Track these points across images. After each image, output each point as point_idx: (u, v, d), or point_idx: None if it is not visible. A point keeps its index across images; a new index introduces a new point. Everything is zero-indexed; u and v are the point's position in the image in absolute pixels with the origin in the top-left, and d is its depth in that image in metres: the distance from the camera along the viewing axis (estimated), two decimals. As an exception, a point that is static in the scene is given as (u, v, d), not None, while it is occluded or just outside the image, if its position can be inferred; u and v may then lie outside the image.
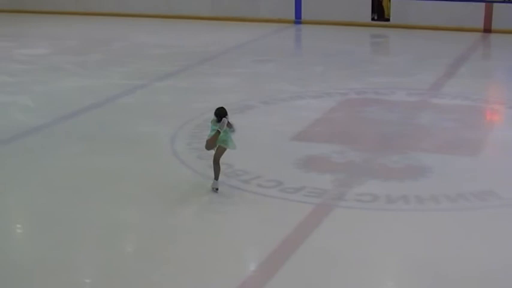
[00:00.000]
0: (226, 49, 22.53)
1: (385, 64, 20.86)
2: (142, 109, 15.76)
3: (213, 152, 10.83)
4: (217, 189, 10.84)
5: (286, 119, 14.70)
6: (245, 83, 17.89)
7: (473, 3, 26.22)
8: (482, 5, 25.71)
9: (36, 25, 28.60)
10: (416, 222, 9.92)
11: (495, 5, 25.61)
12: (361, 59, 21.53)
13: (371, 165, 12.03)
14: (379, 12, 27.02)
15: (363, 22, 26.80)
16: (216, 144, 10.65)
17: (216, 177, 10.84)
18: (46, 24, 28.82)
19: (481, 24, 25.38)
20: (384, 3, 26.97)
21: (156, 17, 28.54)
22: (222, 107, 10.78)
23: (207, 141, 10.71)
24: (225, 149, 10.80)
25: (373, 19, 27.11)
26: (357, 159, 12.23)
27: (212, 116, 10.79)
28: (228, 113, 10.68)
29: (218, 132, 10.45)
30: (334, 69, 19.53)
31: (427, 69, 19.38)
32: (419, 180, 11.28)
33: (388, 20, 26.84)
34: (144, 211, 10.29)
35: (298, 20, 27.76)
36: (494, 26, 25.18)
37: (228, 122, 10.58)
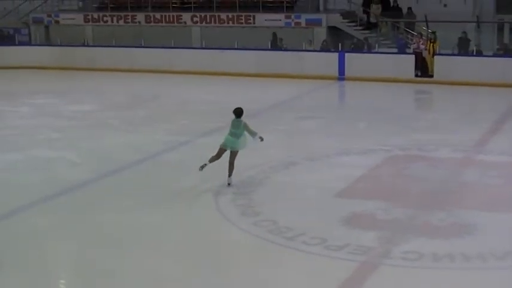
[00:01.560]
0: (270, 106, 22.67)
1: (429, 120, 20.82)
2: (187, 165, 15.82)
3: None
4: (229, 184, 13.68)
5: (330, 175, 14.68)
6: (289, 139, 17.95)
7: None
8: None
9: (83, 81, 29.08)
10: (462, 281, 9.80)
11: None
12: (404, 115, 21.52)
13: (416, 222, 11.94)
14: (423, 68, 27.04)
15: (407, 78, 26.83)
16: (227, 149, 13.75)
17: (230, 175, 13.75)
18: (94, 80, 29.31)
19: (526, 79, 25.25)
20: (428, 60, 27.00)
21: (202, 73, 28.86)
22: (239, 107, 13.88)
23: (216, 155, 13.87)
24: (237, 152, 13.71)
25: (416, 75, 27.13)
26: (401, 216, 12.15)
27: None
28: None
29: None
30: (378, 126, 19.52)
31: (471, 125, 19.32)
32: (465, 238, 11.16)
33: (431, 76, 26.85)
34: (189, 268, 10.29)
35: (341, 76, 27.88)
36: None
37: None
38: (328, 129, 19.21)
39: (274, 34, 30.94)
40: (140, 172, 15.46)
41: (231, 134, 13.94)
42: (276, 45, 30.87)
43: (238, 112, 13.86)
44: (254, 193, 13.43)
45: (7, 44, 35.42)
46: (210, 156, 13.94)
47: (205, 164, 13.83)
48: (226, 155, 13.88)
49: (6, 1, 38.44)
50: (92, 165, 16.02)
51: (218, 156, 13.97)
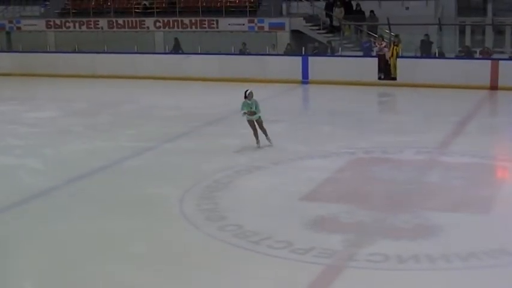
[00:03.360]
0: (234, 110, 22.57)
1: (392, 123, 20.92)
2: (151, 171, 15.78)
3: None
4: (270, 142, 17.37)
5: (294, 179, 14.69)
6: (253, 143, 17.90)
7: (480, 61, 26.40)
8: (489, 62, 25.86)
9: (46, 88, 28.88)
10: (427, 282, 9.84)
11: (501, 62, 25.75)
12: (368, 118, 21.62)
13: (381, 224, 11.98)
14: (386, 71, 27.17)
15: (370, 81, 26.95)
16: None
17: (267, 136, 17.24)
18: (55, 87, 29.10)
19: (487, 82, 25.46)
20: (391, 63, 27.12)
21: (164, 79, 28.79)
22: (248, 90, 17.44)
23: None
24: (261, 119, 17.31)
25: (379, 78, 27.26)
26: (366, 219, 12.18)
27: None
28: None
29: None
30: (341, 129, 19.59)
31: (434, 127, 19.43)
32: (429, 240, 11.21)
33: (394, 78, 26.98)
34: (153, 274, 10.22)
35: (305, 80, 27.94)
36: (501, 83, 25.26)
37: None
38: (292, 133, 19.23)
39: (244, 44, 30.88)
40: (104, 179, 15.36)
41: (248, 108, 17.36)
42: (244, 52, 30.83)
43: (251, 94, 17.43)
44: (219, 198, 13.39)
45: (-32, 51, 35.17)
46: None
47: (258, 141, 17.22)
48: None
49: (-33, 7, 38.15)
50: (54, 172, 15.89)
51: (254, 128, 17.25)
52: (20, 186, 14.82)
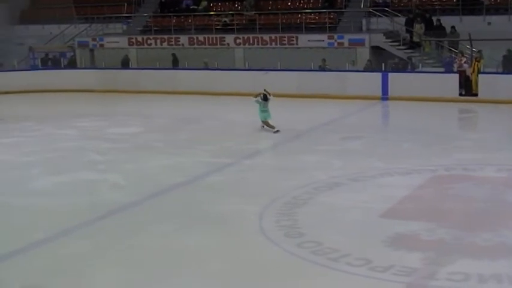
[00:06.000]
0: (313, 126, 22.67)
1: (473, 140, 20.66)
2: (231, 187, 15.88)
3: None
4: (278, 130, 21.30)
5: (374, 196, 14.60)
6: (333, 160, 17.89)
7: None
8: None
9: (127, 104, 29.36)
10: (509, 302, 9.68)
11: None
12: (449, 134, 21.38)
13: (461, 243, 11.81)
14: (467, 87, 26.84)
15: (451, 97, 26.65)
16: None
17: (274, 128, 21.16)
18: (137, 103, 29.57)
19: None
20: (472, 78, 26.80)
21: (243, 95, 28.92)
22: (266, 93, 21.82)
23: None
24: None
25: (460, 94, 26.95)
26: (446, 236, 12.03)
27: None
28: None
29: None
30: (422, 146, 19.39)
31: (517, 144, 19.13)
32: (511, 259, 11.03)
33: (476, 95, 26.64)
34: (233, 289, 10.29)
35: (385, 96, 27.79)
36: None
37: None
38: (372, 150, 19.13)
39: (324, 60, 30.93)
40: (183, 194, 15.51)
41: (264, 111, 21.82)
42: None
43: (267, 97, 21.81)
44: (298, 214, 13.39)
45: (53, 68, 35.99)
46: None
47: (278, 131, 21.25)
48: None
49: (52, 25, 39.11)
50: (136, 187, 16.11)
51: (270, 126, 21.50)
52: (101, 201, 15.08)
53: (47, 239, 12.63)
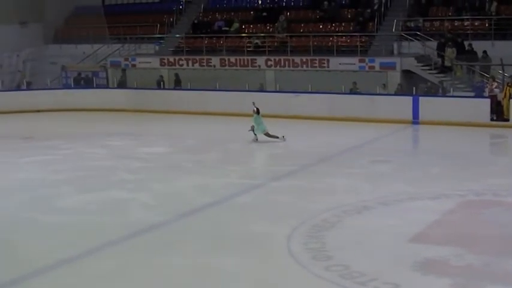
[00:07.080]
0: (343, 149, 22.61)
1: (504, 165, 20.52)
2: (259, 209, 15.88)
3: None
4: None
5: (403, 220, 14.52)
6: (362, 183, 17.83)
7: None
8: None
9: (158, 124, 29.49)
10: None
11: None
12: (479, 159, 21.25)
13: (491, 269, 11.70)
14: (498, 112, 26.68)
15: (482, 122, 26.49)
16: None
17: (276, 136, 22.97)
18: (167, 123, 29.70)
19: None
20: (504, 103, 26.64)
21: (274, 117, 28.95)
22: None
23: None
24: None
25: (492, 119, 26.79)
26: (476, 262, 11.93)
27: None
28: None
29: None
30: (451, 170, 19.28)
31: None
32: (542, 286, 10.91)
33: (507, 120, 26.47)
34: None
35: (415, 120, 27.69)
36: None
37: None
38: (402, 174, 19.05)
39: (355, 83, 30.94)
40: (212, 215, 15.52)
41: (261, 123, 23.85)
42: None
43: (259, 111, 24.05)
44: (326, 237, 13.35)
45: (86, 87, 36.25)
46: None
47: (283, 136, 23.59)
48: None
49: (85, 45, 39.37)
50: (165, 207, 16.16)
51: (272, 136, 23.52)
52: (131, 221, 15.12)
53: (75, 257, 12.69)
